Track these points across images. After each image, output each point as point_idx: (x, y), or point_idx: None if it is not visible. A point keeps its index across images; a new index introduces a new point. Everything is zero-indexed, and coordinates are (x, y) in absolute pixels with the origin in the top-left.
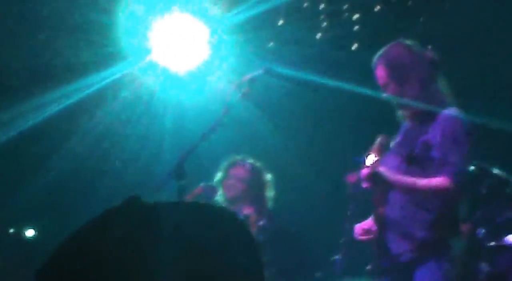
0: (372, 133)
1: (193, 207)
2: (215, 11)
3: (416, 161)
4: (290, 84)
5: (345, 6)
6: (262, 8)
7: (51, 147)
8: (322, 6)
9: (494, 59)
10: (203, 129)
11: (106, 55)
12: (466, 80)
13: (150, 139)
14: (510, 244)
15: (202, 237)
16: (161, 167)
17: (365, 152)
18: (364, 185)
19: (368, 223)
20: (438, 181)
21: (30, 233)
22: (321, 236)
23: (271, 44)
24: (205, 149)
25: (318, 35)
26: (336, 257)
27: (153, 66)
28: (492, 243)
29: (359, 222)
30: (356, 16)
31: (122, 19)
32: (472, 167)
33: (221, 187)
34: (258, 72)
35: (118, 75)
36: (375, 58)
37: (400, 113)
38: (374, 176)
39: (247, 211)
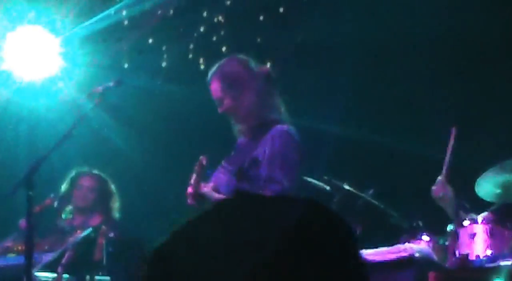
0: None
1: (314, 208)
2: (66, 23)
3: (245, 177)
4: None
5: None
6: (113, 19)
7: None
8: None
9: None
10: (55, 140)
11: None
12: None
13: (3, 149)
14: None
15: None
16: (14, 178)
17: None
18: (189, 202)
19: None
20: None
21: None
22: None
23: (124, 54)
24: (57, 159)
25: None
26: None
27: (6, 76)
28: None
29: None
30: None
31: None
32: (322, 183)
33: (70, 198)
34: (110, 83)
35: None
36: (210, 72)
37: (235, 128)
38: (197, 196)
39: (95, 221)
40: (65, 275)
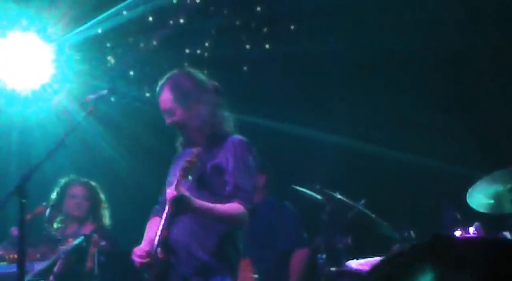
0: None
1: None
2: (57, 30)
3: (206, 185)
4: (134, 103)
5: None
6: (105, 26)
7: None
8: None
9: None
10: (48, 148)
11: None
12: None
13: None
14: (351, 268)
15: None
16: (6, 186)
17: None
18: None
19: (146, 245)
20: (233, 206)
21: None
22: None
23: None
24: (49, 168)
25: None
26: None
27: None
28: (333, 268)
29: None
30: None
31: None
32: (314, 193)
33: (61, 206)
34: (102, 91)
35: None
36: (160, 84)
37: (182, 138)
38: (178, 199)
39: (87, 229)
40: None
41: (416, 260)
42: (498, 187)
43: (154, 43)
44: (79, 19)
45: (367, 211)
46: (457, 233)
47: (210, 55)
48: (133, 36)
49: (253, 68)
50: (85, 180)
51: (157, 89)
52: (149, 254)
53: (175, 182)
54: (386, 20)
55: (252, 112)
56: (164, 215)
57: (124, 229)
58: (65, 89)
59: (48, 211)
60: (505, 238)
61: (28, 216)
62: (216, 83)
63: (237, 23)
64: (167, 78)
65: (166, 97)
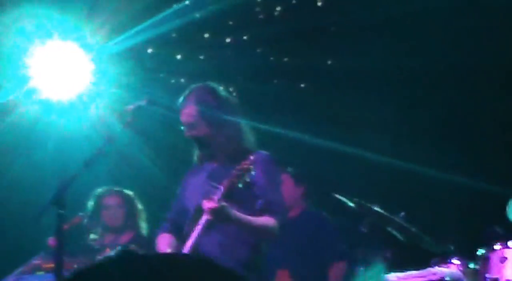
0: None
1: (193, 262)
2: (96, 39)
3: (235, 200)
4: (172, 114)
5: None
6: (143, 37)
7: None
8: (206, 35)
9: None
10: (85, 158)
11: None
12: None
13: (32, 167)
14: None
15: None
16: (43, 196)
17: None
18: (208, 217)
19: None
20: (267, 219)
21: None
22: None
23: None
24: (86, 178)
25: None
26: None
27: (34, 93)
28: None
29: None
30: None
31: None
32: (352, 205)
33: (99, 217)
34: (141, 102)
35: None
36: (184, 96)
37: (201, 152)
38: (219, 211)
39: (125, 238)
40: None
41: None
42: None
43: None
44: (119, 28)
45: (406, 225)
46: (497, 246)
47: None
48: (173, 46)
49: (289, 80)
50: (120, 189)
51: (181, 100)
52: None
53: (217, 195)
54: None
55: (293, 125)
56: (199, 226)
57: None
58: (104, 99)
59: (85, 221)
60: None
61: (65, 227)
62: (236, 99)
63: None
64: (192, 91)
65: (189, 111)
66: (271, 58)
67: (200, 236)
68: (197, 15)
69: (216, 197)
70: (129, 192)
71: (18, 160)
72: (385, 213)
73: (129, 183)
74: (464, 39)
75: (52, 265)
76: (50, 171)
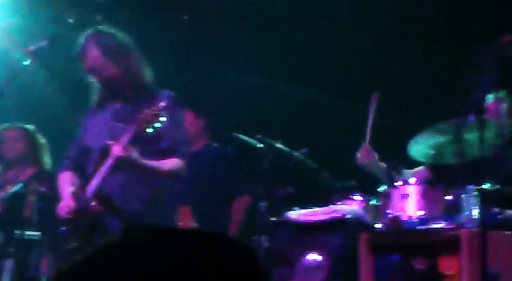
0: None
1: (203, 236)
2: None
3: (139, 140)
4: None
5: None
6: None
7: None
8: None
9: None
10: None
11: None
12: None
13: None
14: (290, 219)
15: (211, 269)
16: None
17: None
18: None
19: (70, 201)
20: (174, 162)
21: None
22: None
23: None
24: None
25: None
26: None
27: None
28: (273, 218)
29: None
30: None
31: None
32: (254, 141)
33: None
34: (42, 42)
35: None
36: (81, 43)
37: (104, 93)
38: (126, 160)
39: (27, 174)
40: None
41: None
42: (440, 139)
43: None
44: None
45: (308, 161)
46: (398, 183)
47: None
48: None
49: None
50: (20, 124)
51: (78, 48)
52: (76, 210)
53: (125, 138)
54: None
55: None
56: (104, 167)
57: None
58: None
59: None
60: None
61: None
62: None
63: None
64: (89, 36)
65: (93, 54)
66: None
67: (104, 176)
68: None
69: (123, 143)
70: (30, 126)
71: None
72: (286, 149)
73: (34, 120)
74: None
75: None
76: None
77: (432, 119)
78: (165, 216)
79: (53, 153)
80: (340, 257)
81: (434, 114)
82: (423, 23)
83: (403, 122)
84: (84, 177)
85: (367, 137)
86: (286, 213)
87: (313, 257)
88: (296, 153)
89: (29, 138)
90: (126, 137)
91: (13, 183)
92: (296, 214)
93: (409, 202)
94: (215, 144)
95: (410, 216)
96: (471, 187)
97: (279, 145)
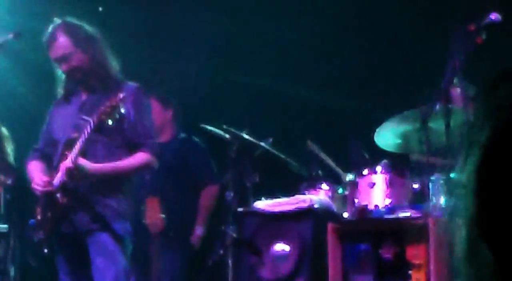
0: None
1: None
2: None
3: (105, 132)
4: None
5: None
6: None
7: None
8: None
9: None
10: None
11: None
12: None
13: None
14: (258, 209)
15: None
16: None
17: None
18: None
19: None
20: (141, 156)
21: None
22: None
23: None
24: None
25: None
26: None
27: None
28: (240, 209)
29: None
30: None
31: None
32: (221, 131)
33: None
34: (8, 36)
35: None
36: (50, 32)
37: (71, 84)
38: (77, 170)
39: None
40: None
41: None
42: (407, 127)
43: None
44: None
45: (274, 150)
46: (365, 172)
47: None
48: None
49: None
50: None
51: (47, 36)
52: (51, 184)
53: (88, 127)
54: None
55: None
56: (70, 158)
57: None
58: None
59: None
60: None
61: None
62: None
63: None
64: (57, 26)
65: (62, 42)
66: None
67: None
68: None
69: (73, 155)
70: None
71: None
72: (252, 139)
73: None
74: None
75: None
76: None
77: (398, 107)
78: (133, 207)
79: (19, 145)
80: (308, 246)
81: (400, 102)
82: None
83: (369, 110)
84: (51, 169)
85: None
86: (253, 203)
87: (281, 247)
88: (262, 143)
89: None
90: (88, 127)
91: None
92: (263, 204)
93: (376, 191)
94: (183, 135)
95: (377, 205)
96: (437, 175)
97: (245, 135)
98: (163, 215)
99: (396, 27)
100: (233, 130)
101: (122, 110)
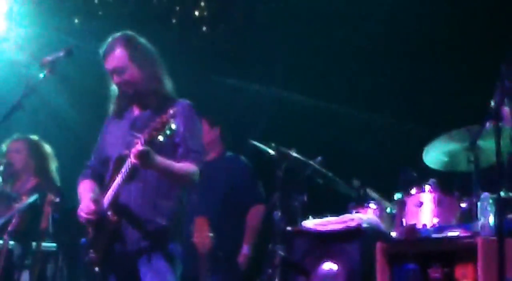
0: None
1: None
2: None
3: (157, 148)
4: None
5: None
6: None
7: None
8: None
9: None
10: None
11: None
12: None
13: None
14: (306, 228)
15: None
16: None
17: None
18: (133, 161)
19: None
20: (187, 165)
21: None
22: None
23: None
24: (5, 129)
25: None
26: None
27: None
28: (289, 228)
29: None
30: None
31: None
32: (270, 150)
33: (3, 164)
34: (59, 53)
35: None
36: (108, 43)
37: (123, 100)
38: (145, 154)
39: (31, 184)
40: (11, 242)
41: None
42: (454, 146)
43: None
44: None
45: (322, 169)
46: (413, 191)
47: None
48: None
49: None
50: (24, 135)
51: (105, 47)
52: (96, 212)
53: (140, 141)
54: None
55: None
56: (120, 176)
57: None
58: (20, 44)
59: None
60: None
61: None
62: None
63: None
64: (116, 37)
65: (119, 54)
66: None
67: (121, 185)
68: None
69: (140, 144)
70: (33, 137)
71: None
72: (302, 158)
73: (50, 131)
74: None
75: None
76: None
77: (446, 126)
78: (182, 231)
79: (68, 163)
80: (357, 266)
81: (448, 122)
82: (441, 27)
83: (417, 130)
84: (102, 187)
85: None
86: (301, 222)
87: (329, 266)
88: (311, 162)
89: (32, 148)
90: (140, 143)
91: (28, 195)
92: (311, 223)
93: (424, 210)
94: (230, 153)
95: (425, 224)
96: (486, 194)
97: (294, 154)
98: (211, 234)
99: (445, 47)
100: (282, 148)
101: (173, 126)
